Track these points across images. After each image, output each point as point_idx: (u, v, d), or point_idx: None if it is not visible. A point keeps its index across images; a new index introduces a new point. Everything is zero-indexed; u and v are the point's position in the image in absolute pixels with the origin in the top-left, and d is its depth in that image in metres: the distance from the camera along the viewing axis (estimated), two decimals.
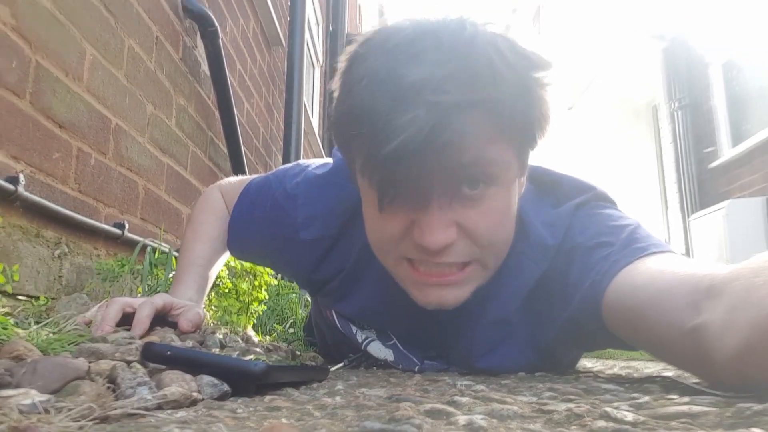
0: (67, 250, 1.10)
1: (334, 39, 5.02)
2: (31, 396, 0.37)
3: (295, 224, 0.88)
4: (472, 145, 0.62)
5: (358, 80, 0.64)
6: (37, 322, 0.65)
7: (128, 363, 0.49)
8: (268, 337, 1.36)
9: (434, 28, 0.63)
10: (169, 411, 0.41)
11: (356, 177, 0.73)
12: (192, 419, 0.37)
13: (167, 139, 1.62)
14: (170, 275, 1.12)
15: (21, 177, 0.94)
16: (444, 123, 0.59)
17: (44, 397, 0.37)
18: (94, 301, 0.82)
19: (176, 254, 1.20)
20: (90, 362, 0.47)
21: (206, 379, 0.49)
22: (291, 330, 1.52)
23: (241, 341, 0.86)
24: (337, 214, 0.87)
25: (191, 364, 0.50)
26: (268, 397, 0.50)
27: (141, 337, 0.67)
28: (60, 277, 1.08)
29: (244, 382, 0.50)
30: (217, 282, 1.18)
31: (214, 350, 0.73)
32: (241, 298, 1.23)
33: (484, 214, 0.67)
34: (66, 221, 1.09)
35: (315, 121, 4.63)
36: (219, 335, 0.83)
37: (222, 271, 1.21)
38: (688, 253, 5.56)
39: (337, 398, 0.50)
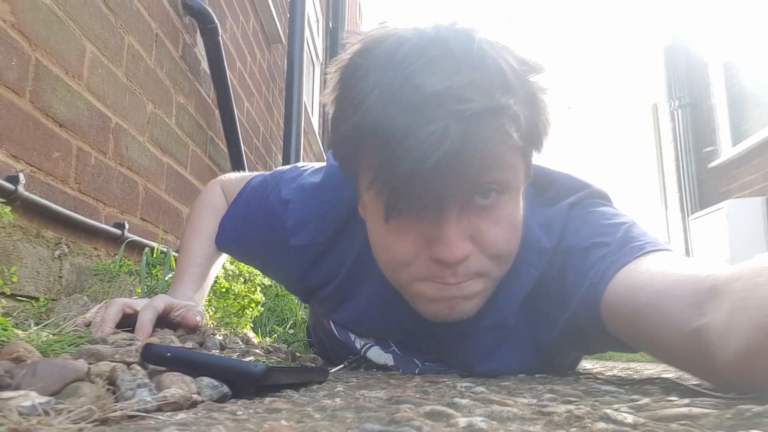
0: (66, 250, 1.10)
1: (334, 36, 5.01)
2: (31, 398, 0.36)
3: (285, 229, 0.87)
4: (493, 153, 0.62)
5: (366, 93, 0.61)
6: (37, 323, 0.65)
7: (128, 364, 0.49)
8: (268, 339, 1.36)
9: (439, 36, 0.62)
10: (169, 413, 0.41)
11: (360, 189, 0.71)
12: (192, 421, 0.37)
13: (167, 139, 1.62)
14: (167, 276, 1.12)
15: (21, 176, 0.94)
16: (469, 132, 0.58)
17: (44, 398, 0.37)
18: (94, 302, 0.82)
19: (175, 254, 1.20)
20: (90, 364, 0.47)
21: (206, 380, 0.49)
22: (291, 331, 1.52)
23: (240, 343, 0.86)
24: (329, 222, 0.85)
25: (191, 365, 0.50)
26: (268, 399, 0.50)
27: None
28: (60, 277, 1.08)
29: (244, 383, 0.50)
30: (214, 281, 1.18)
31: (214, 352, 0.73)
32: (237, 300, 1.23)
33: (496, 223, 0.67)
34: (66, 221, 1.09)
35: (315, 120, 4.63)
36: (219, 336, 0.83)
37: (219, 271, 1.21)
38: (688, 252, 5.56)
39: (337, 400, 0.49)
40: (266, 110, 2.95)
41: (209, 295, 1.15)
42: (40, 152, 1.03)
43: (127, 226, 1.31)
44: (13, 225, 0.95)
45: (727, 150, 5.25)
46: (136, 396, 0.42)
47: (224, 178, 1.07)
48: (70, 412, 0.36)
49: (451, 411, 0.41)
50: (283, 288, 1.74)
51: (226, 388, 0.49)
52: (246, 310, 1.20)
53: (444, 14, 0.66)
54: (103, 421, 0.37)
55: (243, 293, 1.22)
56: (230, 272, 1.20)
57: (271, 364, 0.53)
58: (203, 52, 1.91)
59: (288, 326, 1.55)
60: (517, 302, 0.77)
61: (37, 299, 0.84)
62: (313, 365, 0.92)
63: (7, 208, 0.75)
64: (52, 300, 0.90)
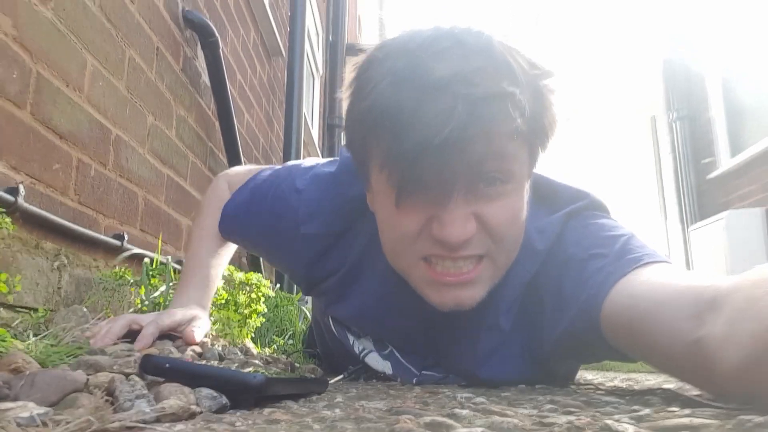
0: (66, 261, 1.10)
1: (334, 50, 5.04)
2: (29, 409, 0.36)
3: (296, 218, 0.89)
4: (497, 137, 0.63)
5: (379, 79, 0.64)
6: (35, 334, 0.65)
7: (127, 375, 0.49)
8: (267, 349, 1.35)
9: (452, 31, 0.65)
10: (167, 424, 0.41)
11: (370, 176, 0.73)
12: None
13: (167, 150, 1.62)
14: (165, 285, 1.12)
15: (21, 188, 0.94)
16: (476, 114, 0.60)
17: (42, 409, 0.37)
18: (93, 314, 0.82)
19: (175, 266, 1.20)
20: (88, 375, 0.47)
21: (205, 391, 0.48)
22: (290, 342, 1.52)
23: (239, 353, 0.86)
24: (340, 213, 0.87)
25: (190, 376, 0.50)
26: (267, 410, 0.50)
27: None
28: (59, 288, 1.07)
29: (243, 394, 0.50)
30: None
31: (212, 363, 0.72)
32: (240, 311, 1.23)
33: (501, 208, 0.68)
34: (65, 232, 1.09)
35: (315, 132, 4.64)
36: (218, 347, 0.82)
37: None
38: (688, 263, 5.56)
39: (337, 411, 0.49)
40: (266, 122, 2.96)
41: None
42: (40, 164, 1.03)
43: (126, 237, 1.31)
44: (13, 236, 0.95)
45: (725, 161, 5.26)
46: (134, 407, 0.42)
47: (230, 172, 1.08)
48: (68, 423, 0.36)
49: (451, 422, 0.40)
50: (282, 299, 1.73)
51: (224, 399, 0.49)
52: (249, 320, 1.20)
53: (456, 18, 0.69)
54: None
55: (245, 303, 1.21)
56: (237, 280, 1.19)
57: (270, 375, 0.53)
58: (204, 65, 1.93)
59: (287, 337, 1.55)
60: (508, 303, 0.78)
61: (35, 310, 0.84)
62: (313, 376, 0.92)
63: (7, 219, 0.76)
64: (51, 311, 0.90)
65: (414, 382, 0.86)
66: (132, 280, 1.10)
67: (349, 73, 0.72)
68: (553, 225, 0.78)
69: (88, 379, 0.46)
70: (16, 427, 0.34)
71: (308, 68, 4.50)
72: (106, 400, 0.43)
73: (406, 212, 0.68)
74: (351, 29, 6.90)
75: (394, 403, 0.55)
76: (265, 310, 1.26)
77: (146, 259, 1.13)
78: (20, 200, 0.93)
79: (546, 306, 0.75)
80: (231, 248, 1.05)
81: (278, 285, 2.43)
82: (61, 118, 1.09)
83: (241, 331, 1.16)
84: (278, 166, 1.00)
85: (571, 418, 0.43)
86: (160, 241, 1.44)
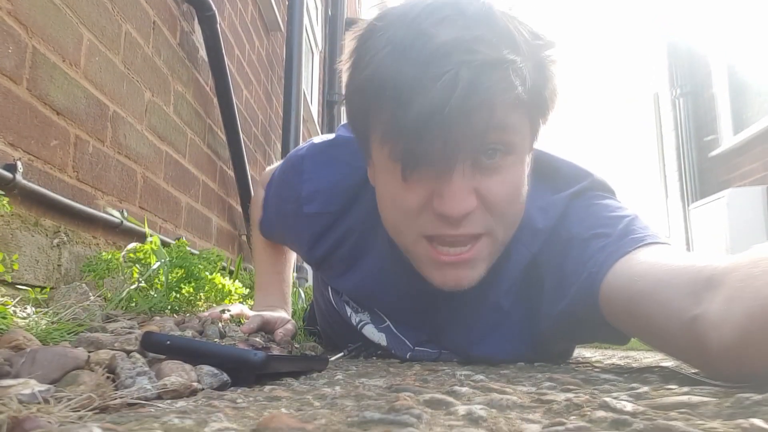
0: (65, 238, 1.10)
1: (333, 24, 4.97)
2: (31, 386, 0.36)
3: (300, 198, 0.90)
4: (499, 107, 0.63)
5: (379, 48, 0.64)
6: (36, 312, 0.65)
7: (128, 353, 0.49)
8: None
9: (454, 0, 0.64)
10: (168, 401, 0.41)
11: (371, 150, 0.73)
12: (192, 409, 0.37)
13: (165, 127, 1.61)
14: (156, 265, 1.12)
15: (19, 165, 0.93)
16: (478, 82, 0.59)
17: (44, 386, 0.37)
18: (93, 291, 0.82)
19: (172, 242, 1.20)
20: (89, 352, 0.47)
21: (206, 368, 0.49)
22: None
23: (240, 331, 0.86)
24: (340, 191, 0.88)
25: (191, 353, 0.50)
26: (267, 387, 0.50)
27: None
28: (59, 266, 1.08)
29: (244, 372, 0.50)
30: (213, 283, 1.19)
31: (214, 340, 0.73)
32: (238, 291, 1.24)
33: (501, 183, 0.68)
34: (64, 210, 1.09)
35: (314, 109, 4.60)
36: (219, 325, 0.83)
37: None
38: (689, 241, 5.57)
39: (337, 388, 0.50)
40: (265, 99, 2.93)
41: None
42: (38, 140, 1.02)
43: (125, 214, 1.31)
44: (12, 214, 0.95)
45: (728, 139, 5.23)
46: (135, 384, 0.42)
47: (265, 172, 1.11)
48: (69, 400, 0.36)
49: (450, 399, 0.41)
50: None
51: (225, 376, 0.49)
52: (248, 301, 1.21)
53: None
54: (103, 409, 0.37)
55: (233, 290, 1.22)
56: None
57: (270, 353, 0.53)
58: (201, 40, 1.90)
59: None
60: (509, 282, 0.78)
61: (35, 287, 0.84)
62: (313, 354, 0.93)
63: (5, 200, 0.75)
64: (51, 288, 0.90)
65: (407, 357, 0.87)
66: (128, 258, 1.10)
67: (348, 43, 0.71)
68: (556, 205, 0.78)
69: (89, 356, 0.46)
70: (18, 404, 0.34)
71: (307, 43, 4.44)
72: (108, 377, 0.43)
73: (407, 186, 0.68)
74: (350, 3, 6.79)
75: (394, 380, 0.55)
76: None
77: (133, 245, 1.14)
78: (18, 177, 0.92)
79: (546, 284, 0.76)
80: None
81: None
82: (58, 93, 1.08)
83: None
84: (294, 150, 1.02)
85: (570, 395, 0.43)
86: (146, 223, 1.44)
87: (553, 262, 0.75)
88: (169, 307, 1.04)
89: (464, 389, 0.47)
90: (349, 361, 0.87)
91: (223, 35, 2.01)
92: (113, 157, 1.30)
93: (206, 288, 1.14)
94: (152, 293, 1.02)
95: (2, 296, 0.68)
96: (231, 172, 2.23)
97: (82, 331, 0.58)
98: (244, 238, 2.42)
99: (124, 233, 1.32)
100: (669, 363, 0.76)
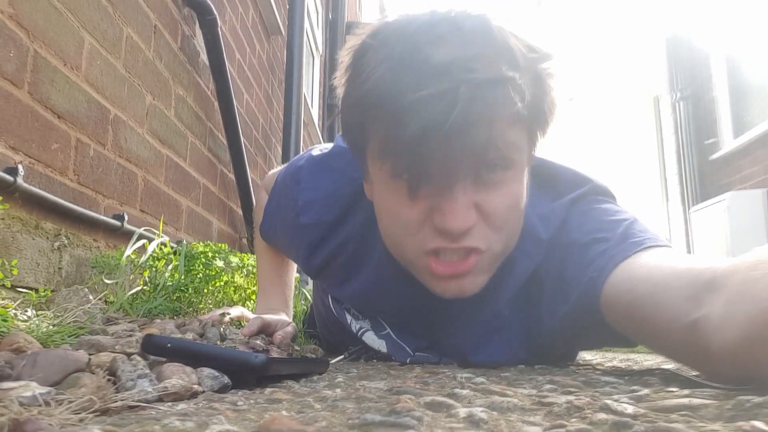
0: (66, 242, 1.10)
1: (333, 28, 4.98)
2: (32, 388, 0.37)
3: (297, 207, 0.90)
4: (498, 123, 0.63)
5: (376, 64, 0.63)
6: (37, 315, 0.65)
7: (128, 355, 0.49)
8: None
9: (450, 15, 0.64)
10: (169, 403, 0.41)
11: (368, 166, 0.72)
12: (193, 411, 0.37)
13: (166, 130, 1.61)
14: (170, 266, 1.12)
15: (20, 168, 0.94)
16: (477, 99, 0.59)
17: (45, 389, 0.37)
18: (94, 294, 0.82)
19: (174, 246, 1.20)
20: (90, 354, 0.47)
21: (207, 371, 0.49)
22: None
23: (241, 334, 0.86)
24: (335, 200, 0.87)
25: (191, 356, 0.50)
26: (268, 390, 0.50)
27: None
28: (60, 269, 1.08)
29: (245, 374, 0.50)
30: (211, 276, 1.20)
31: (215, 343, 0.73)
32: (238, 292, 1.24)
33: (501, 197, 0.68)
34: (65, 213, 1.09)
35: (315, 112, 4.61)
36: (220, 327, 0.83)
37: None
38: (689, 244, 5.56)
39: (338, 390, 0.50)
40: (266, 102, 2.94)
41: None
42: (39, 144, 1.02)
43: (126, 217, 1.31)
44: (13, 216, 0.95)
45: (728, 142, 5.23)
46: (136, 386, 0.42)
47: (267, 180, 1.12)
48: (70, 402, 0.36)
49: (451, 401, 0.41)
50: None
51: (226, 379, 0.49)
52: (248, 303, 1.20)
53: (456, 1, 0.68)
54: (104, 412, 0.37)
55: (244, 285, 1.22)
56: (235, 264, 1.20)
57: (271, 355, 0.53)
58: (202, 44, 1.90)
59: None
60: (512, 292, 0.78)
61: (36, 290, 0.84)
62: (314, 356, 0.93)
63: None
64: (52, 291, 0.90)
65: (408, 361, 0.87)
66: (134, 260, 1.10)
67: (343, 58, 0.71)
68: (556, 212, 0.78)
69: (90, 359, 0.46)
70: (19, 407, 0.34)
71: (308, 47, 4.45)
72: (108, 380, 0.43)
73: (407, 202, 0.68)
74: (351, 7, 6.81)
75: (395, 383, 0.55)
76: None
77: (137, 242, 1.14)
78: (19, 180, 0.93)
79: (547, 289, 0.75)
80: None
81: None
82: (59, 97, 1.08)
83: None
84: (295, 158, 1.02)
85: (571, 398, 0.43)
86: (161, 223, 1.44)
87: (553, 268, 0.75)
88: (170, 308, 1.04)
89: (465, 392, 0.47)
90: (350, 363, 0.87)
91: (224, 39, 2.02)
92: (114, 161, 1.30)
93: (221, 280, 1.16)
94: (155, 296, 1.02)
95: (3, 299, 0.68)
96: (231, 176, 2.24)
97: (83, 334, 0.58)
98: (244, 241, 2.43)
99: (125, 236, 1.32)
100: (670, 365, 0.76)
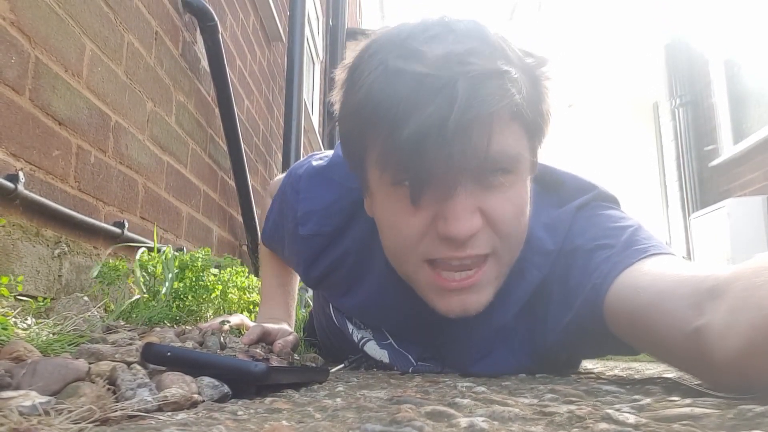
0: (66, 249, 1.10)
1: (334, 34, 5.00)
2: (32, 398, 0.36)
3: (296, 218, 0.89)
4: (498, 119, 0.62)
5: (371, 71, 0.63)
6: (37, 323, 0.65)
7: (128, 364, 0.49)
8: None
9: (442, 19, 0.64)
10: (169, 413, 0.41)
11: (368, 178, 0.71)
12: (193, 421, 0.37)
13: (167, 137, 1.61)
14: (170, 275, 1.12)
15: (21, 175, 0.94)
16: (475, 93, 0.58)
17: (44, 398, 0.37)
18: (94, 302, 0.82)
19: (175, 253, 1.20)
20: (90, 363, 0.47)
21: (206, 380, 0.49)
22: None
23: (241, 342, 0.86)
24: (334, 211, 0.86)
25: (191, 365, 0.50)
26: (268, 399, 0.50)
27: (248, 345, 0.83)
28: (59, 276, 1.08)
29: (245, 383, 0.50)
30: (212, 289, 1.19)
31: (215, 351, 0.73)
32: (239, 303, 1.24)
33: (505, 201, 0.66)
34: (66, 220, 1.09)
35: (315, 118, 4.62)
36: (220, 335, 0.83)
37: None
38: (689, 252, 5.56)
39: (338, 400, 0.49)
40: (266, 108, 2.94)
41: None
42: (40, 151, 1.02)
43: (126, 224, 1.31)
44: (13, 224, 0.95)
45: (728, 148, 5.24)
46: (136, 396, 0.42)
47: (273, 186, 1.11)
48: (70, 412, 0.36)
49: (452, 411, 0.41)
50: None
51: (226, 388, 0.49)
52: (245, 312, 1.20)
53: (447, 9, 0.68)
54: (104, 421, 0.37)
55: (243, 298, 1.22)
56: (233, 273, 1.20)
57: (271, 364, 0.53)
58: (203, 50, 1.91)
59: None
60: (519, 305, 0.77)
61: (36, 298, 0.84)
62: (314, 365, 0.92)
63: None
64: (52, 299, 0.90)
65: (410, 371, 0.86)
66: (129, 270, 1.10)
67: (339, 75, 0.70)
68: (562, 221, 0.77)
69: (89, 368, 0.46)
70: (19, 416, 0.34)
71: (308, 53, 4.47)
72: (108, 389, 0.43)
73: (408, 211, 0.66)
74: (351, 13, 6.84)
75: (395, 392, 0.55)
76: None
77: (142, 251, 1.13)
78: (20, 187, 0.93)
79: (552, 298, 0.75)
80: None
81: None
82: (60, 103, 1.08)
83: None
84: (296, 164, 1.02)
85: (572, 407, 0.43)
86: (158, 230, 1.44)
87: (558, 275, 0.74)
88: (170, 316, 1.03)
89: (466, 401, 0.46)
90: (350, 372, 0.87)
91: (225, 45, 2.03)
92: (115, 168, 1.30)
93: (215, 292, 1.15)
94: (154, 303, 1.02)
95: (3, 307, 0.67)
96: (232, 182, 2.24)
97: (83, 342, 0.57)
98: (244, 248, 2.42)
99: (126, 244, 1.31)
100: (671, 374, 0.76)
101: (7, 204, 0.93)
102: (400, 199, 0.66)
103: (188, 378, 0.48)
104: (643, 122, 7.05)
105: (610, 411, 0.40)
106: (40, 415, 0.35)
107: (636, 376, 0.83)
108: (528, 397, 0.52)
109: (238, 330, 0.98)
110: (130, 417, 0.39)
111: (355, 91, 0.65)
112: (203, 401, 0.46)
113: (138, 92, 1.42)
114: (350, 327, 0.94)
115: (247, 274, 1.33)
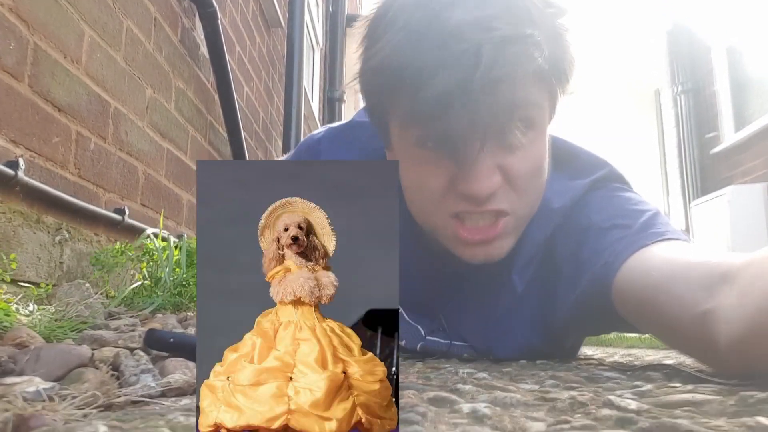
0: (67, 236, 1.10)
1: (334, 20, 4.96)
2: (35, 383, 0.37)
3: None
4: (521, 81, 0.62)
5: (394, 33, 0.63)
6: (39, 309, 0.65)
7: (131, 350, 0.49)
8: None
9: None
10: (173, 398, 0.41)
11: (390, 136, 0.72)
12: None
13: (167, 124, 1.61)
14: (171, 261, 1.12)
15: (21, 162, 0.93)
16: (499, 57, 0.59)
17: (48, 384, 0.37)
18: (96, 288, 0.82)
19: (176, 240, 1.20)
20: (93, 349, 0.47)
21: None
22: None
23: None
24: None
25: (194, 350, 0.50)
26: None
27: None
28: (61, 263, 1.08)
29: None
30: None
31: None
32: None
33: (524, 159, 0.67)
34: (66, 207, 1.09)
35: (315, 105, 4.60)
36: None
37: None
38: (690, 239, 5.56)
39: None
40: (266, 95, 2.93)
41: None
42: (40, 137, 1.02)
43: (127, 211, 1.31)
44: (14, 210, 0.95)
45: (729, 136, 5.22)
46: (140, 381, 0.42)
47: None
48: (74, 397, 0.36)
49: (454, 397, 0.41)
50: None
51: None
52: None
53: None
54: (108, 407, 0.37)
55: None
56: None
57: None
58: (202, 37, 1.89)
59: None
60: (524, 260, 0.78)
61: (38, 285, 0.84)
62: None
63: None
64: (54, 285, 0.90)
65: (418, 348, 0.86)
66: (134, 256, 1.10)
67: (359, 31, 0.70)
68: (574, 189, 0.78)
69: (93, 354, 0.46)
70: (23, 402, 0.34)
71: (308, 40, 4.43)
72: (112, 375, 0.43)
73: (430, 170, 0.67)
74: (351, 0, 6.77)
75: None
76: None
77: (149, 233, 1.13)
78: (20, 174, 0.92)
79: (563, 272, 0.75)
80: None
81: None
82: (60, 90, 1.08)
83: None
84: (307, 137, 1.01)
85: (574, 393, 0.43)
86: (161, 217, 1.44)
87: (569, 249, 0.75)
88: (172, 302, 1.04)
89: (468, 387, 0.47)
90: None
91: (224, 32, 2.01)
92: (115, 154, 1.30)
93: None
94: (157, 291, 1.02)
95: (5, 293, 0.68)
96: None
97: (86, 329, 0.58)
98: None
99: (127, 230, 1.32)
100: (671, 361, 0.76)
101: (7, 191, 0.93)
102: (423, 159, 0.68)
103: (191, 364, 0.48)
104: (644, 109, 7.02)
105: (611, 397, 0.40)
106: (44, 401, 0.35)
107: (636, 363, 0.83)
108: (529, 383, 0.52)
109: None
110: (134, 402, 0.39)
111: (377, 51, 0.66)
112: None
113: (137, 79, 1.41)
114: None
115: None
